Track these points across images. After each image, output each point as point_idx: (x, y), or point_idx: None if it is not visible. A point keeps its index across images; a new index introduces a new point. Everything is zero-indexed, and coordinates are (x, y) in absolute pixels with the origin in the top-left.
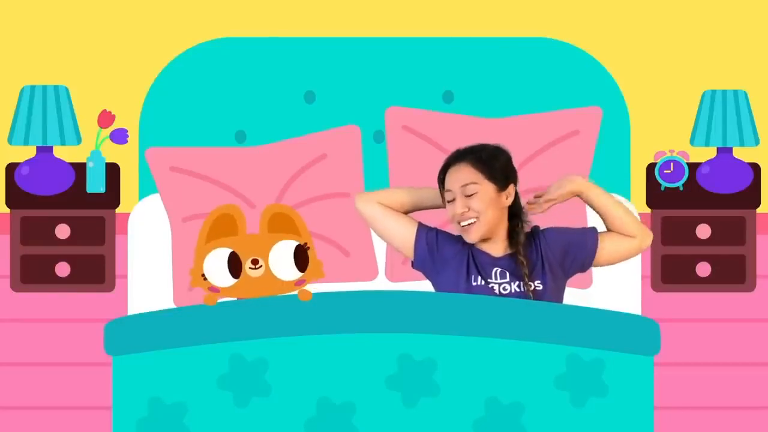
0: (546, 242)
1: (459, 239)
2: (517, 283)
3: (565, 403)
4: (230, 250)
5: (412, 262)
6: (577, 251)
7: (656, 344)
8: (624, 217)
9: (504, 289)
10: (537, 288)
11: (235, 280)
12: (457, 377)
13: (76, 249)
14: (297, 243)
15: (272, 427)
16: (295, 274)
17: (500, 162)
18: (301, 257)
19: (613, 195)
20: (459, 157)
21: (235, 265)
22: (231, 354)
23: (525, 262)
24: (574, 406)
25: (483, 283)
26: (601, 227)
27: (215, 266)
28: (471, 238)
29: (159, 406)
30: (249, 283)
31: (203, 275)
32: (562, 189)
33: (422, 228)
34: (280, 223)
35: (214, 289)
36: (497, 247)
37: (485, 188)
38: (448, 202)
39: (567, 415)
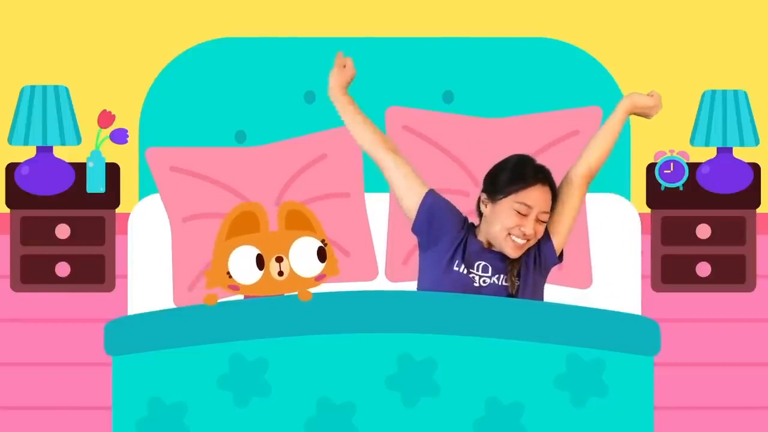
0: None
1: (462, 221)
2: (497, 276)
3: (565, 403)
4: (257, 250)
5: (412, 227)
6: (538, 252)
7: (656, 344)
8: (605, 154)
9: (484, 282)
10: (516, 285)
11: (259, 278)
12: (457, 377)
13: (76, 249)
14: (316, 240)
15: (272, 427)
16: (314, 270)
17: None
18: (320, 254)
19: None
20: (544, 177)
21: (258, 263)
22: (231, 354)
23: (518, 259)
24: (574, 406)
25: (465, 271)
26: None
27: (241, 264)
28: (510, 253)
29: (159, 406)
30: (271, 281)
31: (228, 273)
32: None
33: (428, 197)
34: (296, 220)
35: (234, 287)
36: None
37: (546, 221)
38: (515, 210)
39: (567, 415)
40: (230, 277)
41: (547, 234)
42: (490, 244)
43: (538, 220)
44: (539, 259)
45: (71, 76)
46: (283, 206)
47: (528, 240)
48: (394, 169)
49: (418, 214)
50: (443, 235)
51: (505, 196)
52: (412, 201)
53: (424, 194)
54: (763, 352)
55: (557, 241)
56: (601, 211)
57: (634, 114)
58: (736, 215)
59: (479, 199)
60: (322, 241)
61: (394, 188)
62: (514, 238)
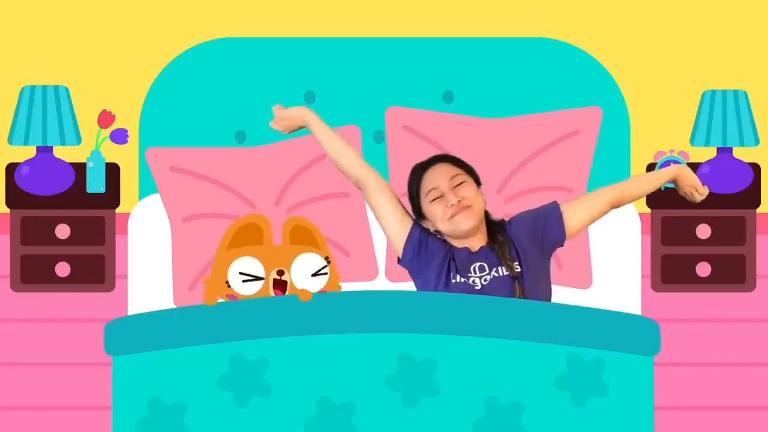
0: (512, 229)
1: (443, 243)
2: (495, 269)
3: (565, 403)
4: (258, 262)
5: (398, 258)
6: (544, 225)
7: (656, 344)
8: (634, 198)
9: (485, 280)
10: (515, 269)
11: (257, 290)
12: (457, 377)
13: (76, 249)
14: (319, 256)
15: (272, 427)
16: (316, 287)
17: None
18: (322, 271)
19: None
20: (432, 161)
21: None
22: (231, 354)
23: (504, 240)
24: (574, 406)
25: (462, 280)
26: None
27: (240, 275)
28: (466, 224)
29: (159, 406)
30: (270, 293)
31: (227, 282)
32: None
33: (415, 229)
34: (301, 236)
35: (231, 297)
36: (476, 242)
37: (470, 180)
38: (432, 201)
39: (567, 415)
40: (229, 286)
41: (557, 208)
42: (474, 248)
43: (454, 188)
44: (538, 233)
45: (71, 76)
46: (288, 221)
47: (466, 206)
48: (381, 194)
49: (406, 248)
50: (432, 259)
51: (419, 200)
52: (400, 232)
53: (411, 226)
54: (763, 352)
55: (568, 219)
56: None
57: (678, 186)
58: (736, 215)
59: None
60: (326, 258)
61: (379, 214)
62: (450, 218)
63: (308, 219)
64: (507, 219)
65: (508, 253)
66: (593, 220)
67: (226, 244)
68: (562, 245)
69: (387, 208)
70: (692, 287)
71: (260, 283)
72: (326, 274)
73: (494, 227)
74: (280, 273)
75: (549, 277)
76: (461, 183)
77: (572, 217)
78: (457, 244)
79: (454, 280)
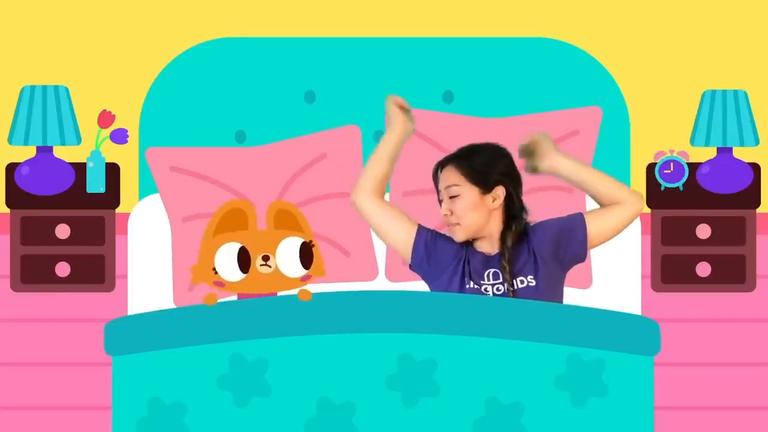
0: (536, 237)
1: (459, 243)
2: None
3: (565, 403)
4: (240, 245)
5: (409, 264)
6: (567, 239)
7: (656, 344)
8: (605, 186)
9: (498, 290)
10: (530, 284)
11: (244, 275)
12: (457, 377)
13: (76, 249)
14: (303, 240)
15: (272, 427)
16: (300, 270)
17: (489, 165)
18: (307, 254)
19: (585, 166)
20: (451, 158)
21: (244, 260)
22: (231, 354)
23: (507, 267)
24: (574, 406)
25: (476, 287)
26: (591, 205)
27: (227, 261)
28: (456, 238)
29: (159, 406)
30: (257, 279)
31: (214, 269)
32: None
33: (421, 231)
34: (285, 220)
35: (219, 284)
36: (493, 245)
37: (467, 191)
38: (440, 200)
39: (567, 415)
40: (216, 273)
41: (582, 222)
42: (490, 251)
43: (449, 198)
44: (561, 246)
45: (71, 76)
46: (272, 205)
47: (457, 222)
48: (379, 212)
49: (414, 253)
50: (445, 265)
51: (436, 189)
52: (403, 239)
53: (415, 231)
54: (763, 352)
55: (591, 234)
56: None
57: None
58: (736, 215)
59: None
60: (310, 241)
61: (381, 230)
62: (449, 226)
63: (292, 203)
64: (532, 224)
65: (521, 268)
66: (611, 236)
67: (211, 230)
68: (583, 261)
69: (388, 228)
70: (692, 287)
71: (246, 267)
72: (311, 257)
73: (510, 231)
74: (266, 258)
75: (562, 290)
76: (455, 196)
77: (595, 232)
78: (473, 245)
79: (467, 286)
